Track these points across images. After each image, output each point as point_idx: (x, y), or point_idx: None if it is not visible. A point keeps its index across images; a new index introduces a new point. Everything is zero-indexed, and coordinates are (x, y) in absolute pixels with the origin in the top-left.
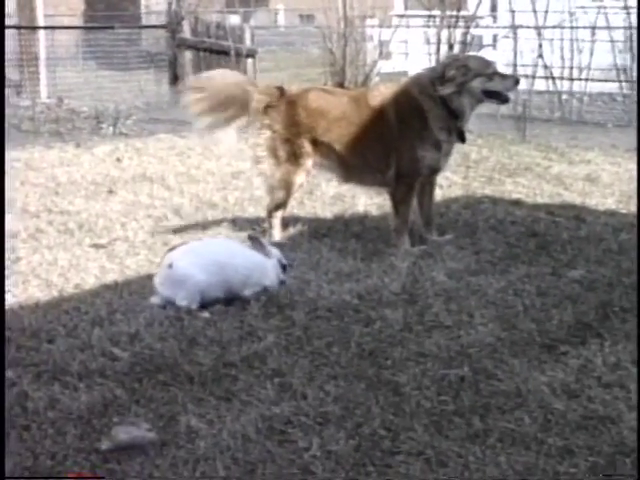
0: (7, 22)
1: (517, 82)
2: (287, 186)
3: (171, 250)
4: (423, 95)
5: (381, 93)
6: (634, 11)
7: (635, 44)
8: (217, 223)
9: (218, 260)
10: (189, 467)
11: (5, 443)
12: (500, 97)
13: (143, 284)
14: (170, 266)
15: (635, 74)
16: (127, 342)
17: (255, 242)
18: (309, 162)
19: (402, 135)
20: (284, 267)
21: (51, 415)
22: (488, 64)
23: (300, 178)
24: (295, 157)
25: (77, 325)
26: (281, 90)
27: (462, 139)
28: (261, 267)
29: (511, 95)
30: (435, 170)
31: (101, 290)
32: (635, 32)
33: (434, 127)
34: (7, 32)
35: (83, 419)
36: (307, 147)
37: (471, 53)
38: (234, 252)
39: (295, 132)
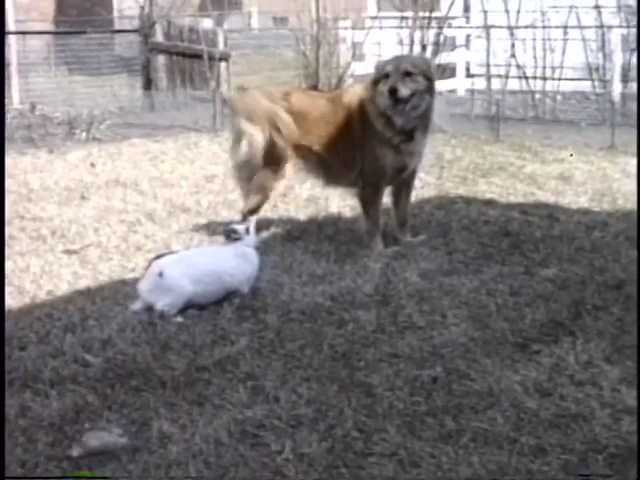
0: None
1: (391, 91)
2: (265, 191)
3: (158, 258)
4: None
5: (353, 94)
6: (605, 10)
7: (607, 43)
8: (190, 227)
9: (212, 270)
10: (161, 472)
11: (5, 444)
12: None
13: (116, 289)
14: (160, 275)
15: (608, 73)
16: (100, 348)
17: (229, 234)
18: (288, 167)
19: (363, 135)
20: (247, 230)
21: (22, 423)
22: (384, 66)
23: (279, 184)
24: (275, 162)
25: (49, 332)
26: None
27: (409, 138)
28: (251, 260)
29: (387, 97)
30: (400, 170)
31: (74, 296)
32: (606, 30)
33: (378, 126)
34: None
35: (54, 426)
36: (288, 151)
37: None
38: (222, 258)
39: (276, 136)
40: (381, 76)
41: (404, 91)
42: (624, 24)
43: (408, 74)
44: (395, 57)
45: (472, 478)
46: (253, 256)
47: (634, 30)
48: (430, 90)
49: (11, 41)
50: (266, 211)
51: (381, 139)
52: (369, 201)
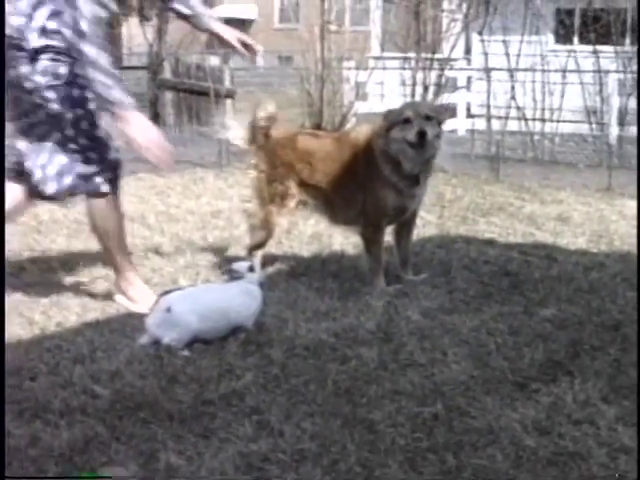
0: None
1: (421, 134)
2: (270, 227)
3: (165, 294)
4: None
5: (359, 134)
6: (602, 55)
7: (604, 87)
8: (197, 262)
9: (218, 306)
10: None
11: (5, 444)
12: (412, 145)
13: (124, 322)
14: (168, 310)
15: (605, 116)
16: (108, 380)
17: (231, 273)
18: (293, 204)
19: (368, 176)
20: (251, 268)
21: (32, 452)
22: (401, 112)
23: (284, 220)
24: (280, 199)
25: (59, 363)
26: (267, 131)
27: (415, 182)
28: (255, 297)
29: (415, 142)
30: (402, 211)
31: (82, 328)
32: (604, 75)
33: (384, 170)
34: None
35: (64, 456)
36: (293, 189)
37: (408, 101)
38: (228, 295)
39: (283, 174)
40: (399, 122)
41: (431, 133)
42: (621, 69)
43: (429, 118)
44: (410, 103)
45: None
46: (257, 292)
47: (630, 75)
48: (440, 135)
49: None
50: (271, 247)
51: (386, 182)
52: (371, 239)
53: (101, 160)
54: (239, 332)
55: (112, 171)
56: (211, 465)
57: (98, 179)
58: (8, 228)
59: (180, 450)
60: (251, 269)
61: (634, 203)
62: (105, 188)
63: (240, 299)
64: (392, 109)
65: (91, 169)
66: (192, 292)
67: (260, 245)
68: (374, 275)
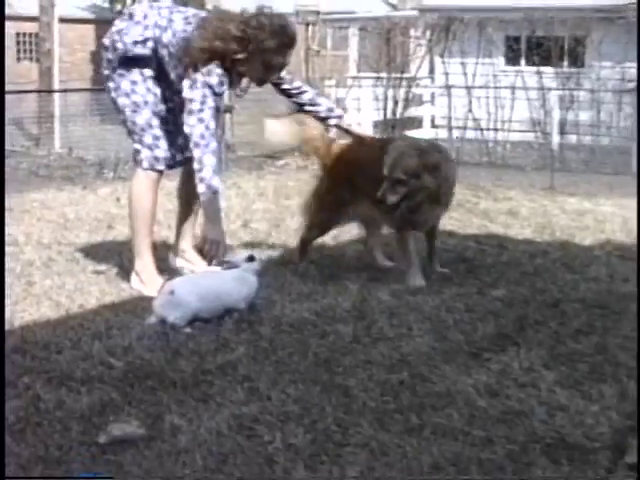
0: (30, 88)
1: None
2: (323, 228)
3: (169, 280)
4: None
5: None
6: (545, 75)
7: (547, 102)
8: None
9: (213, 289)
10: (172, 458)
11: (5, 443)
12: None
13: (136, 304)
14: (172, 293)
15: (548, 127)
16: (122, 353)
17: (226, 264)
18: (348, 210)
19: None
20: (251, 258)
21: (59, 414)
22: (423, 182)
23: (335, 226)
24: (337, 204)
25: (80, 339)
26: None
27: None
28: (249, 283)
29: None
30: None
31: (101, 309)
32: (546, 92)
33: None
34: (29, 95)
35: (85, 417)
36: (347, 195)
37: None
38: (221, 281)
39: (338, 182)
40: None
41: (392, 199)
42: (560, 87)
43: (400, 181)
44: (406, 158)
45: (432, 465)
46: (251, 279)
47: (569, 92)
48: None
49: (55, 97)
50: (262, 240)
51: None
52: (403, 241)
53: (156, 141)
54: (234, 312)
55: (172, 160)
56: (209, 425)
57: (146, 154)
58: (41, 225)
59: (182, 413)
60: (251, 259)
61: (573, 200)
62: (146, 165)
63: (232, 284)
64: (408, 158)
65: (145, 144)
66: (192, 277)
67: (311, 240)
68: (410, 269)
